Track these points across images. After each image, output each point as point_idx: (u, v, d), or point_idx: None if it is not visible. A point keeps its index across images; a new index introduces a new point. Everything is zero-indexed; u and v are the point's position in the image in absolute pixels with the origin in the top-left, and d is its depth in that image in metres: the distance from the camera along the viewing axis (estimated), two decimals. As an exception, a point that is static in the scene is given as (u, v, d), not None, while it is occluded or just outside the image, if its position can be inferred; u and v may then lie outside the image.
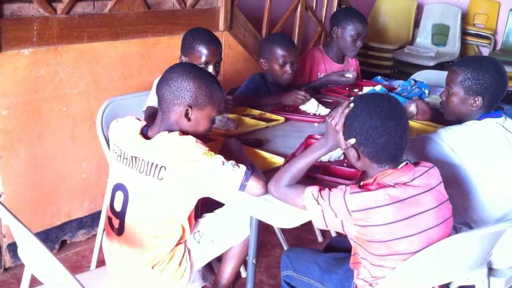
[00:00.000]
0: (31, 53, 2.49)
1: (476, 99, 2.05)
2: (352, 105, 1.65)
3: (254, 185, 1.75)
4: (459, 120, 2.15)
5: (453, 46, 5.82)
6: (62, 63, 2.63)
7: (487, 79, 2.03)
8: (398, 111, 1.63)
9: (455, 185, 1.99)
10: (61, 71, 2.63)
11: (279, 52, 2.77)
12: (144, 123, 1.89)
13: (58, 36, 2.58)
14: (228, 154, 1.89)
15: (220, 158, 1.73)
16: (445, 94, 2.16)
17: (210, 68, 2.42)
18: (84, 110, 2.77)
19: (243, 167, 1.74)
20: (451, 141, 2.00)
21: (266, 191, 1.77)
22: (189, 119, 1.84)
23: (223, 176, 1.72)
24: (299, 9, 4.01)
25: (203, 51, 2.42)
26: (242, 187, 1.74)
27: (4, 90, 2.43)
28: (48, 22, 2.53)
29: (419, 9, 6.12)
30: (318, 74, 3.26)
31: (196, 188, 1.77)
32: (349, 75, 3.11)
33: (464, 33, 5.91)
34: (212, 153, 1.74)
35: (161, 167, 1.75)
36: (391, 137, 1.59)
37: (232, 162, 1.74)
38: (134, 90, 2.87)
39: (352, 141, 1.63)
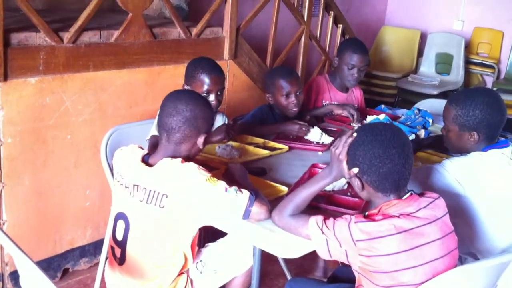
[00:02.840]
0: (37, 81, 2.52)
1: (471, 134, 2.05)
2: (355, 134, 1.66)
3: (258, 210, 1.75)
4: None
5: (456, 75, 5.85)
6: (68, 91, 2.65)
7: (478, 114, 2.02)
8: (400, 139, 1.63)
9: (460, 215, 1.98)
10: (67, 99, 2.65)
11: (282, 84, 2.78)
12: (146, 151, 1.90)
13: (64, 65, 2.61)
14: (232, 179, 1.90)
15: (222, 184, 1.73)
16: (444, 130, 2.17)
17: (212, 97, 2.45)
18: (88, 138, 2.78)
19: (246, 193, 1.74)
20: (456, 172, 2.00)
21: (270, 216, 1.76)
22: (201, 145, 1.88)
23: (226, 202, 1.72)
24: (303, 38, 4.05)
25: (205, 80, 2.45)
26: (247, 213, 1.73)
27: (9, 118, 2.45)
28: (55, 51, 2.56)
29: (423, 38, 6.17)
30: (323, 102, 3.27)
31: (199, 215, 1.77)
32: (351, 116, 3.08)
33: (467, 62, 5.94)
34: (215, 179, 1.74)
35: (162, 195, 1.76)
36: (394, 165, 1.59)
37: (235, 188, 1.74)
38: (139, 118, 2.88)
39: (356, 170, 1.63)
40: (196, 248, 1.95)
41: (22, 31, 2.48)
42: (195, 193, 1.73)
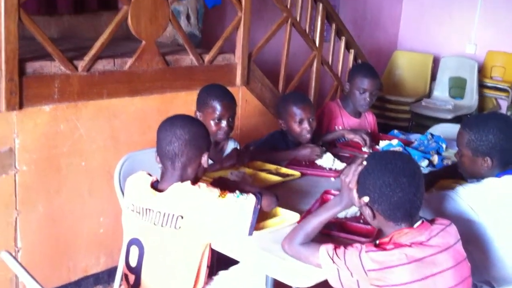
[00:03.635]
0: (52, 109, 2.55)
1: (485, 159, 2.03)
2: (364, 162, 1.66)
3: (267, 203, 1.90)
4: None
5: (470, 99, 5.82)
6: (82, 118, 2.68)
7: (491, 139, 2.01)
8: (411, 167, 1.62)
9: (474, 242, 1.95)
10: (81, 126, 2.68)
11: (295, 110, 2.79)
12: (155, 177, 1.93)
13: (79, 92, 2.65)
14: (230, 186, 1.98)
15: (231, 194, 1.82)
16: (457, 155, 2.16)
17: (224, 123, 2.49)
18: (102, 165, 2.80)
19: (251, 195, 1.84)
20: (469, 198, 1.98)
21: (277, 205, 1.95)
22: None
23: (237, 208, 1.80)
24: (315, 64, 4.07)
25: (217, 107, 2.49)
26: (256, 211, 1.82)
27: (25, 146, 2.48)
28: (69, 79, 2.60)
29: (436, 62, 6.17)
30: (336, 127, 3.27)
31: (214, 230, 1.82)
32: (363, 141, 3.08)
33: (481, 86, 5.91)
34: (224, 192, 1.82)
35: (178, 217, 1.79)
36: (405, 194, 1.58)
37: (240, 192, 1.83)
38: (152, 144, 2.85)
39: (366, 199, 1.63)
40: (208, 272, 1.95)
41: (37, 60, 2.52)
42: (209, 211, 1.80)
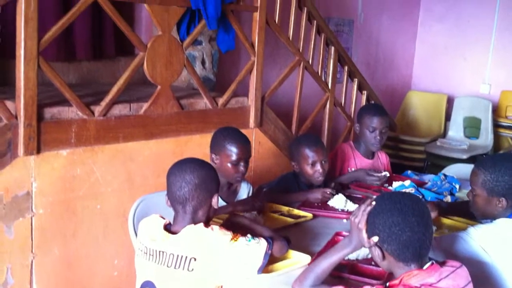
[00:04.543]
0: (69, 153, 2.61)
1: (500, 200, 2.04)
2: (373, 203, 1.67)
3: (278, 249, 1.93)
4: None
5: (485, 139, 5.81)
6: (98, 162, 2.73)
7: (507, 180, 2.02)
8: (419, 207, 1.63)
9: (487, 284, 1.94)
10: (97, 170, 2.73)
11: (308, 153, 2.81)
12: (167, 220, 1.97)
13: (95, 137, 2.71)
14: (242, 227, 2.02)
15: (243, 238, 1.85)
16: (470, 194, 2.16)
17: (241, 166, 2.53)
18: (117, 208, 2.84)
19: (263, 240, 1.86)
20: (481, 239, 1.98)
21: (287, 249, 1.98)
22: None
23: (248, 252, 1.83)
24: (328, 105, 4.11)
25: (235, 150, 2.54)
26: (266, 256, 1.85)
27: (42, 189, 2.53)
28: (86, 124, 2.67)
29: (450, 102, 6.19)
30: (349, 169, 3.29)
31: (226, 272, 1.84)
32: (379, 175, 3.11)
33: (496, 125, 5.91)
34: (237, 235, 1.85)
35: (191, 259, 1.82)
36: (414, 233, 1.59)
37: (252, 237, 1.86)
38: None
39: (375, 239, 1.64)
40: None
41: (55, 105, 2.60)
42: (222, 253, 1.83)
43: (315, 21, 3.87)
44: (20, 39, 2.40)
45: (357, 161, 3.30)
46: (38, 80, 2.47)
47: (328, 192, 2.71)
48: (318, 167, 2.82)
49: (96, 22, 3.57)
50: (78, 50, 3.52)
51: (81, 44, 3.51)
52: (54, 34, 2.53)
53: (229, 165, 2.55)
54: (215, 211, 2.02)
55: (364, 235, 1.67)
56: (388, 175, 3.14)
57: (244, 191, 2.77)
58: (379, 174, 3.09)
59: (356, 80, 4.41)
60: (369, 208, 1.68)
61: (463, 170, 3.43)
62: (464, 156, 5.39)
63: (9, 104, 2.46)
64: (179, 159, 3.04)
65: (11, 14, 3.03)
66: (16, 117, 2.43)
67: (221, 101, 3.31)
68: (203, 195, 1.92)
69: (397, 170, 3.55)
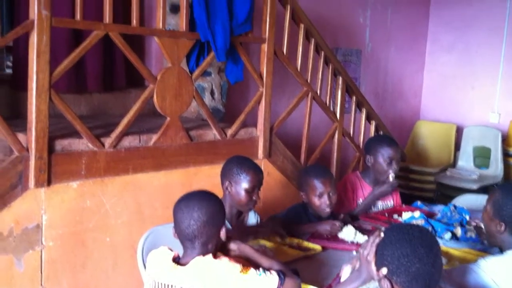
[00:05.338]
0: (79, 185, 2.63)
1: (500, 224, 2.06)
2: (382, 234, 1.67)
3: (289, 286, 1.87)
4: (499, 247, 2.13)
5: (496, 168, 5.77)
6: (108, 194, 2.75)
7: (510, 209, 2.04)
8: (428, 239, 1.63)
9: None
10: (107, 202, 2.74)
11: (316, 184, 2.81)
12: (176, 253, 1.97)
13: (105, 168, 2.73)
14: (251, 260, 2.01)
15: (253, 270, 1.84)
16: (484, 209, 2.19)
17: (255, 194, 2.58)
18: (127, 240, 2.84)
19: (274, 273, 1.85)
20: (492, 271, 1.96)
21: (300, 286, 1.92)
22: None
23: (260, 285, 1.82)
24: (336, 135, 4.12)
25: (249, 178, 2.57)
26: None
27: (51, 222, 2.54)
28: (96, 156, 2.69)
29: (459, 132, 6.18)
30: (358, 200, 3.28)
31: None
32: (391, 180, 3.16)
33: (506, 155, 5.87)
34: (246, 268, 1.85)
35: None
36: (423, 264, 1.58)
37: (263, 270, 1.85)
38: (175, 219, 2.94)
39: (384, 270, 1.63)
40: None
41: (66, 137, 2.63)
42: (231, 285, 1.82)
43: (322, 52, 3.90)
44: (32, 72, 2.44)
45: (365, 191, 3.29)
46: (49, 112, 2.50)
47: (337, 224, 2.70)
48: (326, 198, 2.81)
49: (107, 54, 3.63)
50: (89, 82, 3.57)
51: (92, 76, 3.56)
52: (66, 67, 2.57)
53: (243, 193, 2.56)
54: (222, 241, 2.01)
55: (373, 267, 1.66)
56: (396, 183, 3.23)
57: (252, 222, 2.78)
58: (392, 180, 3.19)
59: (364, 110, 4.42)
60: (377, 240, 1.67)
61: (473, 200, 3.42)
62: (474, 187, 5.35)
63: (20, 136, 2.49)
64: (187, 191, 3.07)
65: (23, 47, 3.09)
66: (27, 150, 2.46)
67: (230, 132, 3.33)
68: (211, 231, 1.92)
69: (407, 201, 3.53)
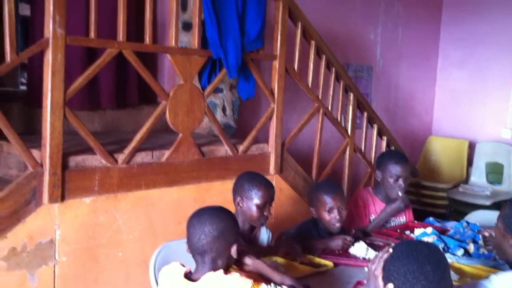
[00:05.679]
0: (92, 201, 2.65)
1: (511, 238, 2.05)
2: (391, 250, 1.67)
3: None
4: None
5: (509, 184, 5.73)
6: (121, 210, 2.77)
7: None
8: (436, 256, 1.63)
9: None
10: (119, 217, 2.76)
11: (325, 199, 2.82)
12: (188, 268, 1.97)
13: (118, 184, 2.75)
14: (262, 275, 2.02)
15: (264, 285, 1.85)
16: (495, 226, 2.18)
17: (266, 210, 2.59)
18: (139, 255, 2.85)
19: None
20: (503, 287, 1.95)
21: None
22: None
23: None
24: (347, 151, 4.12)
25: (261, 193, 2.59)
26: None
27: (65, 237, 2.57)
28: (109, 171, 2.72)
29: (471, 147, 6.14)
30: (370, 216, 3.27)
31: None
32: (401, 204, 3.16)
33: (519, 170, 5.84)
34: (258, 283, 1.85)
35: None
36: (429, 282, 1.57)
37: (274, 285, 1.86)
38: (187, 235, 2.95)
39: (390, 286, 1.62)
40: None
41: (80, 154, 2.66)
42: None
43: (333, 68, 3.93)
44: (47, 89, 2.48)
45: (376, 207, 3.29)
46: (63, 128, 2.53)
47: (348, 239, 2.69)
48: (336, 213, 2.81)
49: (120, 71, 3.67)
50: (103, 99, 3.61)
51: (105, 93, 3.60)
52: (80, 84, 2.61)
53: (254, 208, 2.58)
54: (234, 259, 2.01)
55: (380, 282, 1.66)
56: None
57: (264, 237, 2.78)
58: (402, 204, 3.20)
59: (375, 125, 4.42)
60: (386, 255, 1.67)
61: (486, 217, 3.39)
62: (487, 203, 5.31)
63: (34, 152, 2.52)
64: (199, 207, 3.07)
65: (37, 65, 3.14)
66: (41, 166, 2.49)
67: (241, 148, 3.35)
68: (222, 247, 1.93)
69: (419, 217, 3.51)
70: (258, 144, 3.48)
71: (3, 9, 2.38)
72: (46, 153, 2.48)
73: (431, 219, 3.36)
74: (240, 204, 2.61)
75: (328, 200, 2.81)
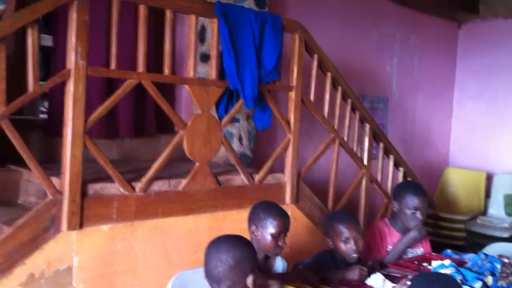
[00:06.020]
0: (110, 229, 2.68)
1: None
2: (409, 282, 1.67)
3: None
4: None
5: (527, 216, 5.68)
6: (137, 237, 2.78)
7: None
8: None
9: None
10: (136, 245, 2.78)
11: (341, 229, 2.82)
12: None
13: (135, 212, 2.78)
14: None
15: None
16: None
17: (281, 239, 2.59)
18: (155, 283, 2.85)
19: None
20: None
21: None
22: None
23: None
24: (363, 182, 4.12)
25: (276, 223, 2.61)
26: None
27: (82, 264, 2.58)
28: (127, 199, 2.75)
29: (489, 179, 6.10)
30: (387, 247, 3.25)
31: None
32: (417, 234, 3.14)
33: (538, 202, 5.78)
34: None
35: None
36: None
37: None
38: (203, 263, 2.95)
39: (410, 318, 1.62)
40: None
41: (98, 181, 2.69)
42: None
43: (349, 99, 3.95)
44: (68, 118, 2.54)
45: (393, 239, 3.27)
46: (83, 157, 2.57)
47: (365, 270, 2.68)
48: (352, 243, 2.80)
49: (138, 101, 3.73)
50: (121, 128, 3.66)
51: (124, 122, 3.66)
52: (100, 114, 2.66)
53: (269, 237, 2.59)
54: None
55: (399, 313, 1.66)
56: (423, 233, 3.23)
57: (279, 267, 2.78)
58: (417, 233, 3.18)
59: (392, 156, 4.42)
60: (404, 287, 1.67)
61: (504, 249, 3.36)
62: (506, 235, 5.25)
63: (54, 180, 2.56)
64: (215, 236, 3.08)
65: (58, 94, 3.21)
66: (60, 193, 2.53)
67: (257, 177, 3.36)
68: (237, 276, 1.93)
69: (437, 249, 3.48)
70: (274, 173, 3.50)
71: (26, 41, 2.45)
72: (65, 181, 2.52)
73: (449, 251, 3.33)
74: (255, 233, 2.62)
75: (344, 230, 2.80)
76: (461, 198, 6.17)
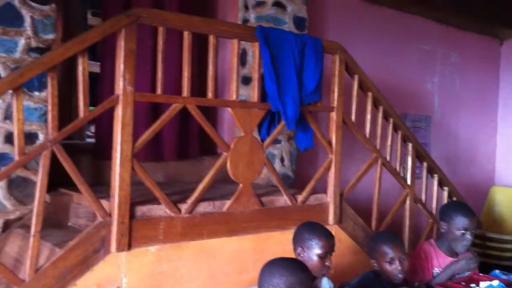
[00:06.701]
0: (157, 250, 2.73)
1: None
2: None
3: None
4: None
5: None
6: (183, 258, 2.83)
7: None
8: None
9: None
10: (182, 266, 2.82)
11: (385, 249, 2.80)
12: None
13: (181, 233, 2.83)
14: None
15: None
16: None
17: (328, 260, 2.63)
18: (200, 305, 2.90)
19: None
20: None
21: None
22: None
23: None
24: (407, 202, 4.07)
25: (323, 244, 2.63)
26: None
27: (130, 285, 2.63)
28: (173, 221, 2.80)
29: (537, 197, 5.96)
30: (433, 269, 3.21)
31: None
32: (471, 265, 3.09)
33: None
34: None
35: None
36: None
37: None
38: (248, 284, 2.96)
39: None
40: None
41: (145, 204, 2.76)
42: None
43: (391, 119, 3.94)
44: (116, 143, 2.61)
45: (440, 261, 3.22)
46: (131, 179, 2.65)
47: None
48: (397, 264, 2.78)
49: (182, 124, 3.82)
50: (166, 152, 3.75)
51: (168, 145, 3.75)
52: (147, 138, 2.74)
53: (316, 258, 2.60)
54: None
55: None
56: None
57: (324, 288, 2.78)
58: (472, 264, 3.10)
59: (436, 176, 4.37)
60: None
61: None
62: (556, 254, 5.11)
63: (103, 203, 2.64)
64: (258, 257, 3.12)
65: (105, 119, 3.32)
66: (110, 215, 2.60)
67: (300, 198, 3.38)
68: None
69: (485, 269, 3.41)
70: (317, 194, 3.50)
71: (76, 69, 2.55)
72: (114, 203, 2.59)
73: (497, 271, 3.26)
74: (301, 255, 2.63)
75: (388, 251, 2.79)
76: (509, 217, 6.03)
